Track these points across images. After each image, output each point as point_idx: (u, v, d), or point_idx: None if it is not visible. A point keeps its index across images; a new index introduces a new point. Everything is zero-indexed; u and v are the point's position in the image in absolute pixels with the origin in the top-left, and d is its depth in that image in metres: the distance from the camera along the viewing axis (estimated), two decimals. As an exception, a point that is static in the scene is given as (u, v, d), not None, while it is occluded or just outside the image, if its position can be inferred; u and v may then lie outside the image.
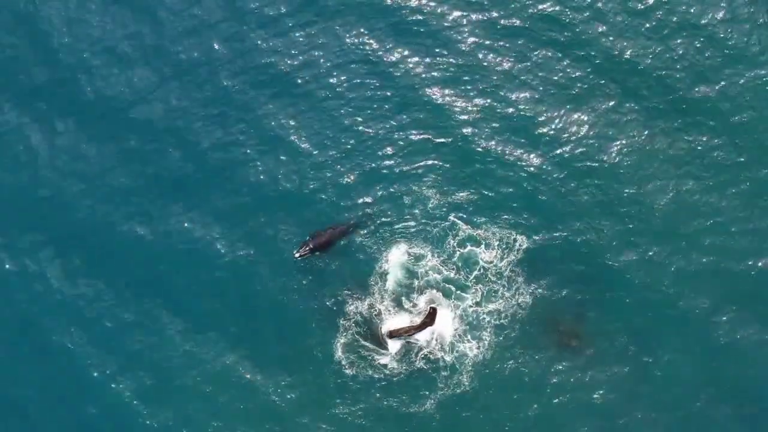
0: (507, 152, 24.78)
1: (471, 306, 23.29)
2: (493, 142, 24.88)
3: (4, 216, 24.92)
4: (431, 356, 23.02)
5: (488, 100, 25.36)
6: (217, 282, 23.93)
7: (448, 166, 24.77)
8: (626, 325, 23.10)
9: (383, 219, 24.29)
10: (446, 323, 23.18)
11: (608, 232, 23.87)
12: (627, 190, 24.23)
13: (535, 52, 25.78)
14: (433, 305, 22.90)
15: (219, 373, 23.18)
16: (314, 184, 24.75)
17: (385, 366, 23.06)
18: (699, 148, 24.45)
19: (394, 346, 23.14)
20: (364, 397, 22.84)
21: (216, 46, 26.14)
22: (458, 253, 23.77)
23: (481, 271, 23.55)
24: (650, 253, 23.57)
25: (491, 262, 23.60)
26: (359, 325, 23.35)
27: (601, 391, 22.64)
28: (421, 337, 23.08)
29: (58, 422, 23.15)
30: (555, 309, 23.22)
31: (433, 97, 25.49)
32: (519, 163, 24.66)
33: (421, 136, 25.16)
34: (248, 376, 23.12)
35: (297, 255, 23.76)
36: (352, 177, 24.78)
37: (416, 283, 23.65)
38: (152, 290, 23.95)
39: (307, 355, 23.31)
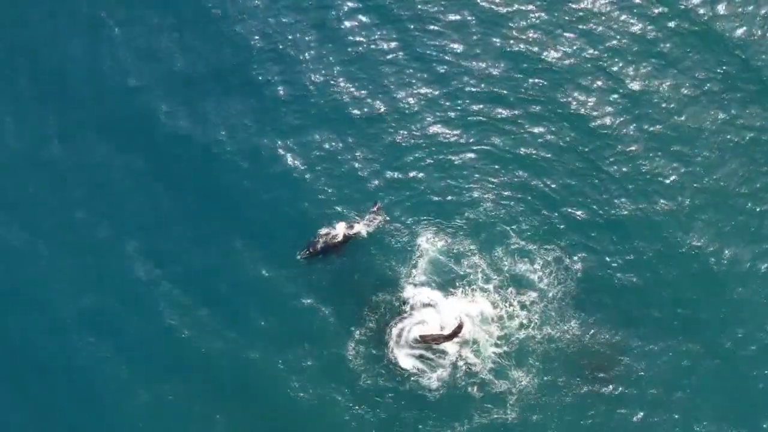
0: (569, 173, 23.34)
1: (517, 327, 21.76)
2: (555, 156, 23.48)
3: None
4: (470, 372, 21.57)
5: (548, 99, 24.08)
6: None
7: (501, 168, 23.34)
8: (665, 371, 21.67)
9: (414, 215, 22.83)
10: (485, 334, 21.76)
11: (665, 276, 22.40)
12: (694, 242, 22.66)
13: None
14: (460, 319, 21.56)
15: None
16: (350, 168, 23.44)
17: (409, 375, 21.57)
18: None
19: (401, 352, 21.59)
20: (385, 409, 21.37)
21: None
22: (507, 267, 22.33)
23: (531, 294, 22.09)
24: (701, 305, 22.14)
25: (542, 285, 22.12)
26: (373, 332, 21.88)
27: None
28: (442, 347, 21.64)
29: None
30: (595, 343, 21.75)
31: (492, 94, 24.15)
32: (580, 186, 23.21)
33: (475, 126, 23.76)
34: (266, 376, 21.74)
35: (299, 257, 22.35)
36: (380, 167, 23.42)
37: (449, 286, 22.17)
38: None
39: (323, 354, 21.90)
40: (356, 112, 23.87)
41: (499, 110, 23.78)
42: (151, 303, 22.19)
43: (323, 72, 24.34)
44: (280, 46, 24.73)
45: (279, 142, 23.58)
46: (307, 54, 24.56)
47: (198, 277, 22.46)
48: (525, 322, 21.62)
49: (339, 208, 22.76)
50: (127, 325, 22.01)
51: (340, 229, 22.31)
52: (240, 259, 22.55)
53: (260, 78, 24.34)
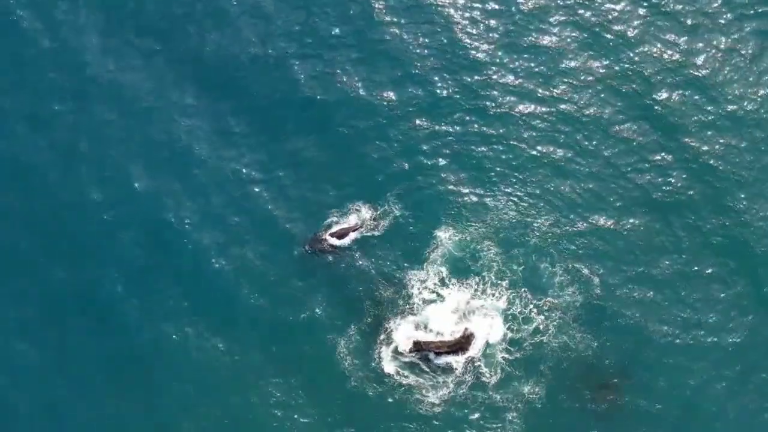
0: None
1: (531, 332, 20.54)
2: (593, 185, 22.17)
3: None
4: (475, 383, 20.30)
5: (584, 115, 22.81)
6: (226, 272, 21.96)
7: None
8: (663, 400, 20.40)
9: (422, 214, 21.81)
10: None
11: (686, 294, 21.14)
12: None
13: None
14: (470, 330, 19.93)
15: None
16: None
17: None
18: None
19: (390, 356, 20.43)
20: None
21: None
22: (524, 268, 21.14)
23: (547, 299, 20.88)
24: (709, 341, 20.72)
25: (560, 291, 20.90)
26: (371, 328, 20.82)
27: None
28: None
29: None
30: (606, 358, 20.51)
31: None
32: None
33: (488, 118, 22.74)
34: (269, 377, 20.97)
35: (307, 247, 21.50)
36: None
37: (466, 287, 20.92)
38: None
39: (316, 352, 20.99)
40: (392, 92, 23.33)
41: (528, 106, 22.68)
42: (185, 245, 22.12)
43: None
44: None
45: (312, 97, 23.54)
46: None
47: (215, 222, 22.30)
48: (541, 327, 20.44)
49: (355, 191, 22.14)
50: (154, 262, 22.07)
51: (352, 221, 21.47)
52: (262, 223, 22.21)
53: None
